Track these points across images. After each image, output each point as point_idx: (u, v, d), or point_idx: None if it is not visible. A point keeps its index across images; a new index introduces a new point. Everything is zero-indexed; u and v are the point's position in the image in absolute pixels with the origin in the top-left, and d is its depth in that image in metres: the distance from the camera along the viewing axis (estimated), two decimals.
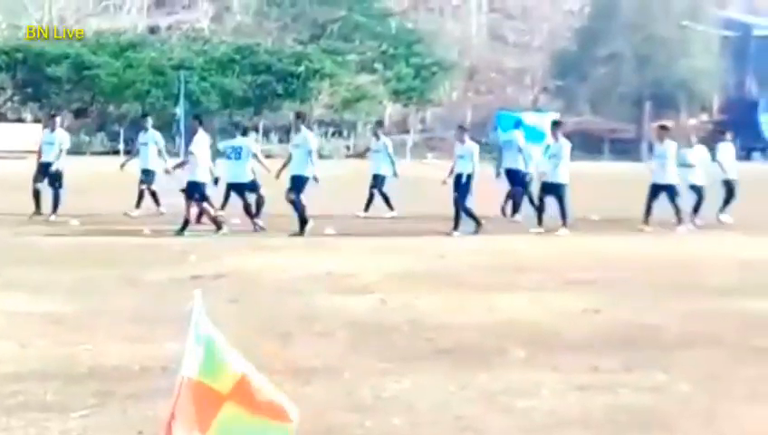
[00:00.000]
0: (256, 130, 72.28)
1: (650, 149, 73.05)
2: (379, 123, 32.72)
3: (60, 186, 23.47)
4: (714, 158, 25.30)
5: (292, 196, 20.78)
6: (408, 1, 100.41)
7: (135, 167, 25.08)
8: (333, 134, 75.19)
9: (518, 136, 25.68)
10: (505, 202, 24.95)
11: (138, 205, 23.99)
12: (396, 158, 26.70)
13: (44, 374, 9.22)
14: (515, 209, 24.76)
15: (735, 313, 12.63)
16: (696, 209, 23.70)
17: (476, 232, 21.32)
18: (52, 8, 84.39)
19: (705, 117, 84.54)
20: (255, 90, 73.04)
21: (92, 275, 15.14)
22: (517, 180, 24.70)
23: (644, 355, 10.32)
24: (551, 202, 22.34)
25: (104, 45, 74.30)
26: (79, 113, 69.52)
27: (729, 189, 24.78)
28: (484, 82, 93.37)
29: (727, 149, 25.45)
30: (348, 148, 71.25)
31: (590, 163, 58.45)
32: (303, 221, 20.64)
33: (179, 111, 67.68)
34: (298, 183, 20.81)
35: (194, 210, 20.62)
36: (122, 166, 25.27)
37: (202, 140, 21.23)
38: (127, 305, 12.66)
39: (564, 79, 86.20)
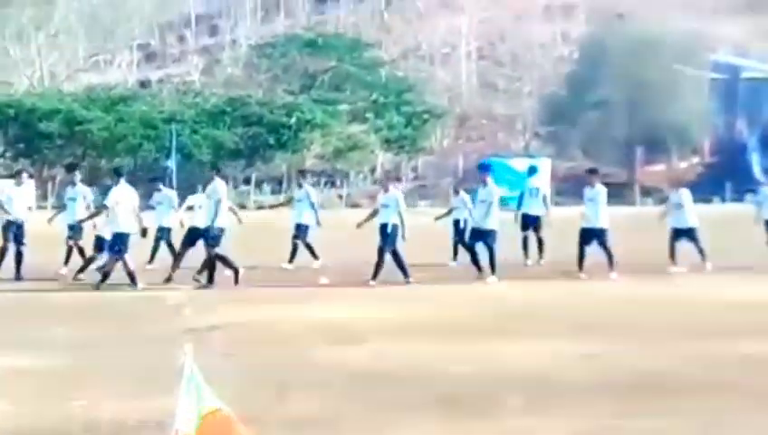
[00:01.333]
0: (247, 181, 72.39)
1: (642, 193, 72.96)
2: (302, 172, 31.74)
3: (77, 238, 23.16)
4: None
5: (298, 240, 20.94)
6: (398, 50, 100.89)
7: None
8: (326, 184, 75.25)
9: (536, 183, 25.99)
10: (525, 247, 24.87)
11: (66, 262, 23.06)
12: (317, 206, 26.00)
13: (39, 432, 9.11)
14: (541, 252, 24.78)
15: (735, 356, 12.55)
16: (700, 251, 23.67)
17: (408, 282, 20.71)
18: (43, 64, 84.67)
19: (696, 160, 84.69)
20: (247, 141, 73.15)
21: (86, 330, 15.04)
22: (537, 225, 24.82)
23: (644, 401, 10.23)
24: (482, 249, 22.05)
25: (95, 100, 74.51)
26: (71, 168, 69.49)
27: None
28: (475, 129, 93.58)
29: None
30: (341, 197, 71.28)
31: (582, 208, 58.39)
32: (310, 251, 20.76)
33: (171, 163, 67.73)
34: (301, 231, 20.86)
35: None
36: (50, 220, 24.19)
37: (221, 188, 21.30)
38: (121, 360, 12.56)
39: (555, 124, 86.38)
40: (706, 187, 75.09)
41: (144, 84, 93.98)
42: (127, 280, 20.15)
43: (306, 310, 17.20)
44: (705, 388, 10.87)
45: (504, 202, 23.82)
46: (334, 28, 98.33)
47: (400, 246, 21.14)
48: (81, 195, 24.07)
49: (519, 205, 25.23)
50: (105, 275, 20.17)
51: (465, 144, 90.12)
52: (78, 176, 25.47)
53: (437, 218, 25.61)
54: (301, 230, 24.71)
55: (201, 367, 5.78)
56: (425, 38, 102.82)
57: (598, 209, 22.74)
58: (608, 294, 19.20)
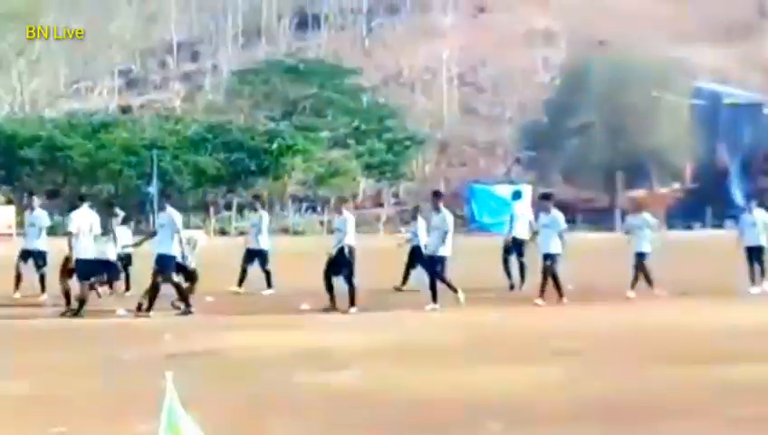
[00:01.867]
0: (229, 207, 72.30)
1: (623, 218, 73.36)
2: (256, 197, 31.16)
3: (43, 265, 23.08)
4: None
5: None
6: (380, 76, 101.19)
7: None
8: (307, 210, 75.29)
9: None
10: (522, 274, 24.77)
11: (42, 289, 22.85)
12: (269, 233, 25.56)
13: None
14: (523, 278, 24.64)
15: (715, 381, 12.55)
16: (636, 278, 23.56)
17: (348, 308, 20.41)
18: (24, 91, 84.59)
19: (677, 186, 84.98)
20: (228, 167, 73.14)
21: (66, 356, 14.97)
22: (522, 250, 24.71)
23: (624, 427, 10.22)
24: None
25: (76, 126, 74.48)
26: (51, 195, 69.38)
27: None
28: (456, 155, 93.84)
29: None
30: (322, 223, 71.26)
31: (564, 233, 58.48)
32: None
33: (153, 190, 67.66)
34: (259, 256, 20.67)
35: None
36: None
37: (176, 217, 20.95)
38: (101, 386, 12.49)
39: (536, 150, 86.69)
40: (688, 212, 75.56)
41: (125, 111, 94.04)
42: (106, 308, 20.08)
43: (288, 336, 17.15)
44: (686, 413, 10.86)
45: (491, 227, 23.90)
46: (315, 54, 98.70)
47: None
48: (39, 220, 23.80)
49: (510, 229, 25.11)
50: (81, 302, 20.06)
51: (446, 170, 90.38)
52: (36, 201, 25.20)
53: (400, 246, 25.24)
54: (257, 256, 24.41)
55: (182, 393, 5.76)
56: (406, 64, 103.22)
57: (550, 235, 22.44)
58: (589, 320, 19.19)
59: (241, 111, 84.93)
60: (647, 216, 24.50)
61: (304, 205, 76.60)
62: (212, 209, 71.54)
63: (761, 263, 24.83)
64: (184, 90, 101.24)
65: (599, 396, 11.74)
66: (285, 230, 69.25)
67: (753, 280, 24.43)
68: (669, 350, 15.23)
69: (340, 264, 20.76)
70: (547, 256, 22.06)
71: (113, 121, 78.91)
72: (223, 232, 66.57)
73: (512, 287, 24.47)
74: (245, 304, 21.48)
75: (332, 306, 20.43)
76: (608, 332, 17.52)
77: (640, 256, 23.48)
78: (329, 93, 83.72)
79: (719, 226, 73.58)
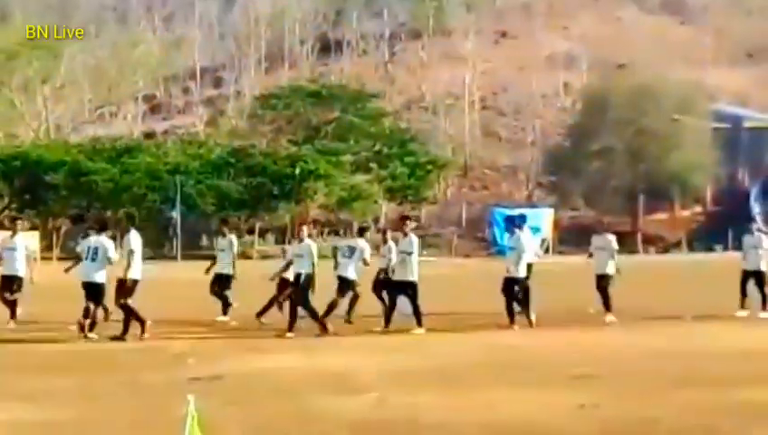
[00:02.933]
0: (251, 231, 72.47)
1: (645, 241, 72.96)
2: (224, 221, 30.36)
3: None
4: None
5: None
6: (402, 100, 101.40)
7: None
8: (329, 234, 75.35)
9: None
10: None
11: (12, 315, 22.91)
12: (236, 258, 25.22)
13: None
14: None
15: (733, 404, 12.62)
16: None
17: (321, 334, 20.54)
18: (49, 116, 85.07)
19: (698, 208, 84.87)
20: (251, 191, 73.29)
21: (90, 380, 15.12)
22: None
23: None
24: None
25: (100, 151, 74.77)
26: (76, 219, 69.72)
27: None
28: (478, 179, 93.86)
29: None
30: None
31: (585, 257, 58.41)
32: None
33: (176, 214, 67.97)
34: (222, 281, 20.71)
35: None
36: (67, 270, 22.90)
37: (135, 240, 20.80)
38: (125, 410, 12.64)
39: (558, 174, 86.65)
40: (709, 235, 75.41)
41: (149, 135, 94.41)
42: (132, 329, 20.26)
43: (308, 359, 17.28)
44: None
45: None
46: (338, 79, 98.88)
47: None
48: (23, 245, 23.81)
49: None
50: (92, 324, 20.27)
51: (468, 194, 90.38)
52: (19, 226, 25.16)
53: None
54: (222, 280, 24.19)
55: (204, 416, 5.91)
56: (428, 89, 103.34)
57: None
58: (608, 343, 19.26)
59: (263, 135, 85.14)
60: (610, 237, 24.15)
61: (326, 229, 76.69)
62: (234, 233, 71.62)
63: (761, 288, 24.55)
64: (207, 115, 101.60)
65: (621, 420, 11.81)
66: None
67: (742, 304, 24.11)
68: (689, 373, 15.29)
69: (297, 290, 20.84)
70: (601, 277, 22.24)
71: (137, 146, 79.17)
72: (246, 256, 66.71)
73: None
74: (269, 328, 21.64)
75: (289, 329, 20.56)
76: (627, 355, 17.60)
77: (601, 278, 23.36)
78: (351, 118, 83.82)
79: (740, 248, 73.47)
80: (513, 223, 23.62)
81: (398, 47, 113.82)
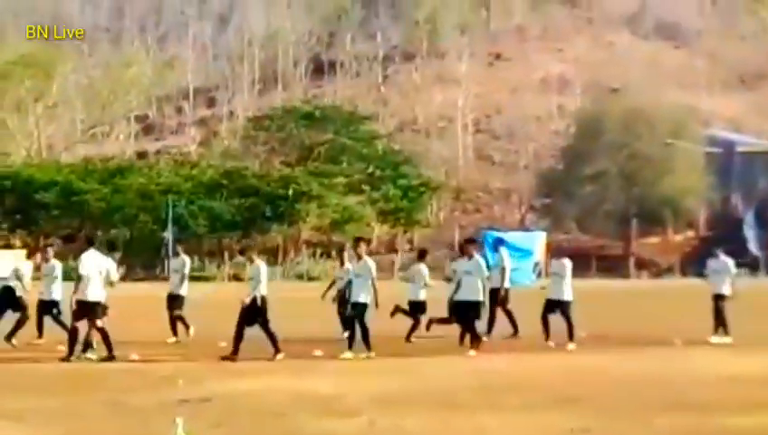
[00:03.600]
0: (243, 252, 72.28)
1: (637, 266, 73.08)
2: (179, 241, 29.95)
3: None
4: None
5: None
6: (395, 123, 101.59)
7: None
8: (321, 255, 75.30)
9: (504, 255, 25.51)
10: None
11: None
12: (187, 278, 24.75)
13: None
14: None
15: (722, 430, 12.58)
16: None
17: (275, 355, 20.35)
18: (41, 136, 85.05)
19: (691, 233, 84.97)
20: (243, 212, 73.34)
21: (78, 401, 15.04)
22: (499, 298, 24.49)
23: None
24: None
25: (92, 171, 74.83)
26: (67, 239, 69.68)
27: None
28: (471, 202, 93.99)
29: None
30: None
31: (577, 281, 58.35)
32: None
33: (168, 235, 67.90)
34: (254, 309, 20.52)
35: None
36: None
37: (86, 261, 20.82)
38: (113, 431, 12.56)
39: (551, 197, 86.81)
40: (702, 260, 75.37)
41: (141, 156, 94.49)
42: (119, 352, 20.17)
43: (300, 382, 17.22)
44: None
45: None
46: (331, 101, 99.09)
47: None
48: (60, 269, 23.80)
49: (502, 279, 24.76)
50: (87, 344, 20.22)
51: (461, 216, 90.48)
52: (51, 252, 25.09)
53: (323, 295, 24.60)
54: (175, 301, 23.99)
55: None
56: (421, 111, 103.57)
57: (475, 281, 22.21)
58: (593, 367, 19.20)
59: (256, 156, 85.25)
60: (566, 262, 23.89)
61: (319, 250, 76.65)
62: (226, 255, 71.64)
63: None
64: (200, 135, 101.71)
65: None
66: (300, 276, 69.30)
67: (715, 329, 24.05)
68: (677, 398, 15.26)
69: (254, 313, 20.62)
70: (476, 305, 21.83)
71: (129, 166, 79.24)
72: (237, 278, 66.64)
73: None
74: (258, 350, 21.54)
75: (232, 355, 20.23)
76: (617, 379, 17.55)
77: (558, 305, 23.18)
78: (344, 140, 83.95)
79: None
80: (503, 244, 23.78)
81: (391, 69, 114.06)
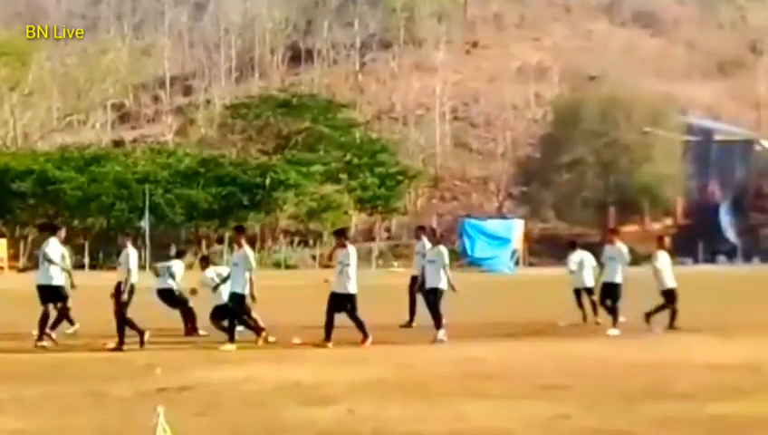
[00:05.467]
0: (220, 241, 72.22)
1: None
2: (126, 234, 28.16)
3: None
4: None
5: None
6: (372, 111, 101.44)
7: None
8: (299, 244, 75.26)
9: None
10: None
11: None
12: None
13: None
14: None
15: (704, 417, 12.58)
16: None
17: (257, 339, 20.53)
18: (17, 124, 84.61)
19: (669, 221, 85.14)
20: (221, 201, 73.16)
21: (56, 390, 14.95)
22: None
23: None
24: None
25: (68, 160, 74.46)
26: (43, 228, 69.43)
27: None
28: (448, 190, 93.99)
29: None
30: (314, 257, 71.23)
31: (555, 269, 58.49)
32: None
33: (144, 223, 67.68)
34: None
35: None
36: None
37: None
38: (92, 421, 12.48)
39: (528, 185, 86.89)
40: (679, 248, 75.62)
41: (118, 144, 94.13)
42: (96, 341, 20.09)
43: (279, 370, 17.17)
44: None
45: (483, 262, 23.83)
46: (308, 89, 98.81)
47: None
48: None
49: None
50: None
51: (438, 204, 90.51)
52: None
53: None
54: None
55: (173, 427, 5.81)
56: (399, 99, 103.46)
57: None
58: (573, 355, 19.19)
59: (233, 145, 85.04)
60: (622, 247, 24.18)
61: (296, 239, 76.57)
62: (204, 243, 71.53)
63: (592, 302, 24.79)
64: (177, 124, 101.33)
65: (591, 432, 11.75)
66: (277, 264, 69.25)
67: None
68: (659, 386, 15.25)
69: (341, 300, 20.59)
70: (435, 291, 21.82)
71: (106, 155, 78.90)
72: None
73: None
74: (237, 339, 21.47)
75: (325, 341, 20.38)
76: (597, 367, 17.54)
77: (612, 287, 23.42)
78: (321, 128, 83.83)
79: (711, 261, 73.81)
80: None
81: (368, 57, 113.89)
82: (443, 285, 21.62)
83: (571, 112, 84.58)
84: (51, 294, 20.98)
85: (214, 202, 72.89)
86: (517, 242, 70.60)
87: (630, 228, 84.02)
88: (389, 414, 12.83)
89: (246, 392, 14.73)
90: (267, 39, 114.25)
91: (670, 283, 23.75)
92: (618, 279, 23.10)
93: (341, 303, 20.63)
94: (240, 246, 21.39)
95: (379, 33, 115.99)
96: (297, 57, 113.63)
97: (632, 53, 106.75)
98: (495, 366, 17.69)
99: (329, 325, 20.43)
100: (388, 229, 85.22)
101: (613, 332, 22.12)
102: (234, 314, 20.69)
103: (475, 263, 64.84)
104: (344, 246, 21.24)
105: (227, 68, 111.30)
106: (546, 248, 73.53)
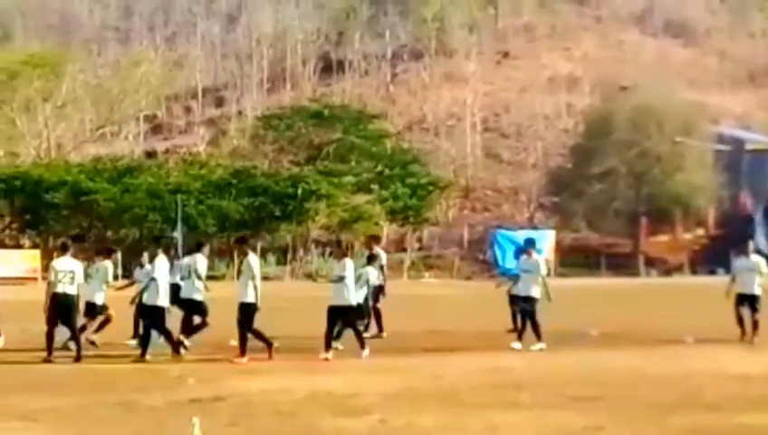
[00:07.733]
0: (254, 250, 72.28)
1: (647, 264, 72.68)
2: (110, 251, 27.64)
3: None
4: None
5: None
6: (403, 121, 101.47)
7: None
8: (330, 254, 75.29)
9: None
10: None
11: None
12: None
13: None
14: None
15: (733, 428, 12.57)
16: None
17: (270, 356, 20.20)
18: (50, 136, 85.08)
19: (701, 232, 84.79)
20: (252, 212, 73.23)
21: (90, 401, 15.05)
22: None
23: None
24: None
25: (101, 171, 74.69)
26: (77, 239, 69.76)
27: None
28: (479, 200, 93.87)
29: None
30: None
31: (587, 279, 58.49)
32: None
33: (177, 234, 67.84)
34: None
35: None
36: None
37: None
38: (125, 432, 12.58)
39: (560, 196, 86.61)
40: (711, 258, 75.32)
41: (150, 155, 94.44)
42: (130, 352, 20.22)
43: (308, 380, 17.22)
44: None
45: (514, 272, 23.61)
46: (340, 100, 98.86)
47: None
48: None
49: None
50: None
51: (469, 215, 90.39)
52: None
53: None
54: (90, 308, 23.11)
55: None
56: (430, 110, 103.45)
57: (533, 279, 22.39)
58: (605, 366, 19.18)
59: (265, 156, 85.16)
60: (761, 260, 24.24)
61: (328, 250, 76.63)
62: (236, 254, 71.56)
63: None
64: (209, 135, 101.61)
65: None
66: (309, 276, 69.32)
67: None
68: (691, 396, 15.25)
69: (347, 312, 20.68)
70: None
71: (138, 166, 79.12)
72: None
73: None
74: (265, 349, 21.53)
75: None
76: (627, 378, 17.53)
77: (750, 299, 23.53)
78: (353, 139, 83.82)
79: None
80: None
81: (399, 68, 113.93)
82: (536, 294, 21.79)
83: (602, 122, 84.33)
84: (193, 307, 21.70)
85: (245, 213, 72.97)
86: (548, 252, 70.42)
87: (662, 238, 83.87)
88: (422, 424, 12.88)
89: (279, 403, 14.79)
90: (299, 50, 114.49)
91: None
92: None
93: (341, 315, 20.71)
94: (245, 255, 21.42)
95: (410, 43, 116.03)
96: (328, 68, 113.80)
97: (663, 63, 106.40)
98: (525, 376, 17.71)
99: (329, 336, 20.50)
100: (419, 240, 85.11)
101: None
102: (242, 324, 20.46)
103: (506, 273, 64.68)
104: (246, 253, 21.40)
105: (259, 79, 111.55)
106: (578, 258, 73.34)
